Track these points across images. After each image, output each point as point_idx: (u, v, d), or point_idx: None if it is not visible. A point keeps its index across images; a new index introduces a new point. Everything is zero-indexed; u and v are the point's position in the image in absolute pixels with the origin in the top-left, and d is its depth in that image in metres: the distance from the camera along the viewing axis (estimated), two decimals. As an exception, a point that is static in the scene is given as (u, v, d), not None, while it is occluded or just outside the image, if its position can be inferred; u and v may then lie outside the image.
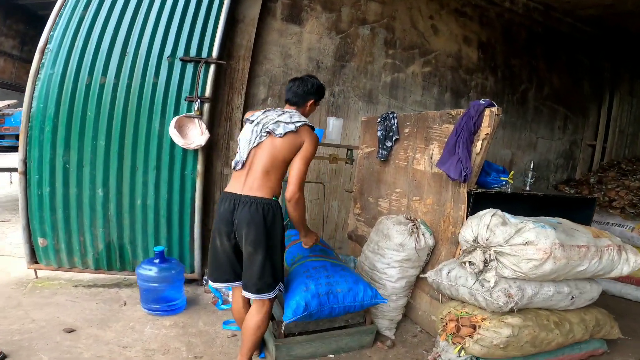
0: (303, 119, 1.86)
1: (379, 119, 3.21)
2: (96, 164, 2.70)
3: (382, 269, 2.69)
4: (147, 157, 2.72)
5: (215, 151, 3.10)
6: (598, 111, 5.64)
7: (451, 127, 2.46)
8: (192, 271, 3.04)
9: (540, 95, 5.03)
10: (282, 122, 1.78)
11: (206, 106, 2.78)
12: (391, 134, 3.06)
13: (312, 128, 1.88)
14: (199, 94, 2.76)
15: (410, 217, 2.80)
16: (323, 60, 3.63)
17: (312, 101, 1.99)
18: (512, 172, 2.52)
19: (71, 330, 2.24)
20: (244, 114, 3.21)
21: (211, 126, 3.05)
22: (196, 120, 2.69)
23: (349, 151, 3.05)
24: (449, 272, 2.35)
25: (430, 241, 2.63)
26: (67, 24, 2.69)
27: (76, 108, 2.65)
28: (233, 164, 1.84)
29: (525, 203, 2.68)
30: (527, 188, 2.72)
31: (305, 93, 1.95)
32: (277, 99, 3.42)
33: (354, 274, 2.34)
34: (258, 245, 1.69)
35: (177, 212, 2.85)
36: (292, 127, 1.76)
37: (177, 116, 2.65)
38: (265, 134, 1.77)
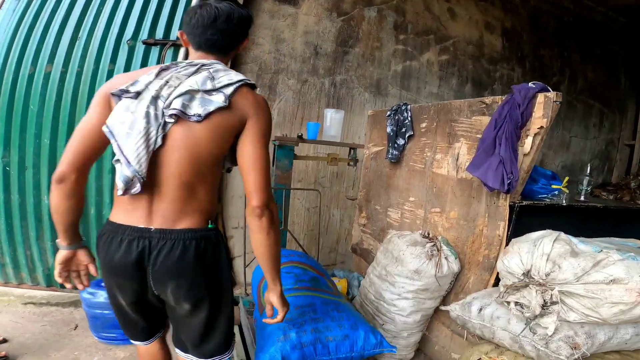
0: (235, 75, 1.05)
1: (388, 112, 2.60)
2: (40, 167, 2.16)
3: (392, 299, 2.10)
4: (100, 158, 2.16)
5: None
6: (636, 107, 4.91)
7: (485, 119, 1.84)
8: None
9: (573, 88, 4.35)
10: (199, 90, 0.97)
11: None
12: (404, 129, 2.45)
13: (254, 87, 1.11)
14: None
15: (428, 234, 2.19)
16: (322, 45, 3.04)
17: (245, 41, 1.15)
18: (566, 179, 1.88)
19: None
20: None
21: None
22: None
23: (352, 150, 2.45)
24: (481, 309, 1.74)
25: (455, 266, 2.02)
26: (14, 7, 2.18)
27: (17, 101, 2.13)
28: (119, 182, 0.95)
29: (567, 215, 2.04)
30: (582, 198, 2.07)
31: (236, 26, 1.06)
32: (267, 90, 2.84)
33: (352, 313, 1.72)
34: (199, 301, 1.05)
35: None
36: (219, 98, 0.98)
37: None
38: (170, 119, 0.95)
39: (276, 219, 1.04)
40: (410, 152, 2.44)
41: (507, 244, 1.74)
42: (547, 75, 4.17)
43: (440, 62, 3.59)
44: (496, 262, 1.81)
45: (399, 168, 2.55)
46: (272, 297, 1.12)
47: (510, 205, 1.76)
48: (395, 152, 2.48)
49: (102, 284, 1.26)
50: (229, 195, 2.79)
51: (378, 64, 3.30)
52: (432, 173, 2.25)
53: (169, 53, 2.24)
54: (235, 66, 2.74)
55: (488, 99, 1.85)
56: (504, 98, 1.73)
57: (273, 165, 2.21)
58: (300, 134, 2.13)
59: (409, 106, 2.48)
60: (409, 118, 2.43)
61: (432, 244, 2.09)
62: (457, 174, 2.06)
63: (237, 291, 2.78)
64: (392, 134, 2.52)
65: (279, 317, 1.14)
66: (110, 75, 2.16)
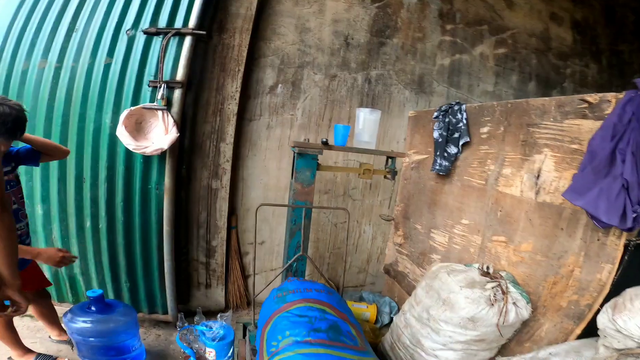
0: None
1: (436, 114, 2.07)
2: (32, 173, 1.86)
3: (433, 349, 1.64)
4: (95, 164, 1.85)
5: (200, 156, 2.15)
6: None
7: (587, 124, 1.28)
8: (165, 312, 2.16)
9: (659, 84, 3.51)
10: None
11: (177, 93, 1.84)
12: (457, 135, 1.91)
13: None
14: (166, 77, 1.82)
15: (488, 268, 1.65)
16: (354, 35, 2.55)
17: None
18: None
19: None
20: (241, 105, 2.25)
21: (193, 123, 2.11)
22: (160, 113, 1.75)
23: (390, 160, 1.94)
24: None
25: (526, 312, 1.52)
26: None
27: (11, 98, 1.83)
28: None
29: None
30: None
31: None
32: (290, 86, 2.40)
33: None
34: None
35: (138, 240, 1.96)
36: None
37: (132, 107, 1.73)
38: None
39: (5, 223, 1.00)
40: (466, 163, 1.89)
41: (611, 292, 1.26)
42: (627, 72, 3.40)
43: (496, 56, 2.97)
44: (589, 311, 1.34)
45: (448, 182, 2.01)
46: (9, 292, 1.06)
47: (625, 244, 1.20)
48: (444, 163, 1.95)
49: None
50: (244, 209, 2.40)
51: (421, 57, 2.76)
52: (496, 192, 1.70)
53: (172, 42, 1.86)
54: (254, 59, 2.34)
55: (592, 97, 1.27)
56: (621, 96, 1.16)
57: (292, 178, 1.76)
58: (325, 140, 1.67)
59: (464, 106, 1.94)
60: (464, 121, 1.89)
61: (496, 284, 1.56)
62: (537, 196, 1.50)
63: (247, 317, 2.38)
64: (440, 140, 1.99)
65: (21, 310, 1.11)
66: (107, 69, 1.83)
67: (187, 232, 2.22)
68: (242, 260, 2.54)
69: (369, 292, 2.78)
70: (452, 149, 1.92)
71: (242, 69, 2.16)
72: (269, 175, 2.40)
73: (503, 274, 1.66)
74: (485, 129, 1.79)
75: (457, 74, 2.87)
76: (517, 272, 1.63)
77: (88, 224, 1.91)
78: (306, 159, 1.71)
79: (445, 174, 1.96)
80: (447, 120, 1.99)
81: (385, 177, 1.93)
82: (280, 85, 2.39)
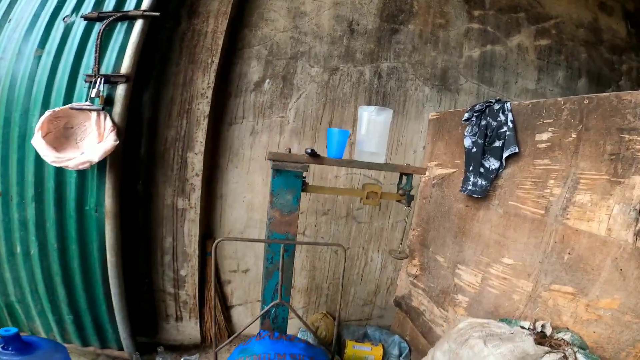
0: None
1: (467, 115, 1.52)
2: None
3: None
4: (22, 179, 1.39)
5: (162, 169, 1.66)
6: None
7: None
8: (120, 347, 1.72)
9: None
10: None
11: (121, 90, 1.37)
12: (498, 143, 1.34)
13: None
14: (107, 69, 1.36)
15: (544, 327, 1.11)
16: (360, 20, 2.02)
17: None
18: None
19: None
20: (219, 105, 1.76)
21: (152, 127, 1.63)
22: (93, 115, 1.27)
23: (404, 178, 1.38)
24: None
25: None
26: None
27: None
28: None
29: None
30: None
31: None
32: (280, 82, 1.89)
33: None
34: None
35: (78, 269, 1.50)
36: None
37: (56, 109, 1.26)
38: None
39: None
40: (512, 183, 1.32)
41: None
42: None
43: (538, 48, 2.37)
44: None
45: (484, 208, 1.44)
46: None
47: None
48: (480, 182, 1.38)
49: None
50: (223, 232, 1.90)
51: (444, 47, 2.19)
52: (562, 227, 1.12)
53: (120, 28, 1.40)
54: (236, 50, 1.85)
55: None
56: None
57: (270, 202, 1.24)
58: (311, 150, 1.14)
59: (509, 104, 1.37)
60: (510, 124, 1.32)
61: (561, 354, 1.01)
62: (638, 239, 0.92)
63: (228, 353, 1.86)
64: (474, 150, 1.42)
65: None
66: (37, 63, 1.38)
67: (149, 259, 1.74)
68: (224, 290, 2.04)
69: (376, 327, 2.22)
70: (492, 163, 1.35)
71: (216, 59, 1.67)
72: (254, 192, 1.89)
73: (567, 336, 1.09)
74: (544, 136, 1.21)
75: (489, 68, 2.28)
76: (587, 332, 1.09)
77: (18, 249, 1.46)
78: (287, 177, 1.19)
79: (481, 196, 1.39)
80: (483, 123, 1.42)
81: (398, 201, 1.37)
82: (268, 80, 1.88)
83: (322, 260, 2.07)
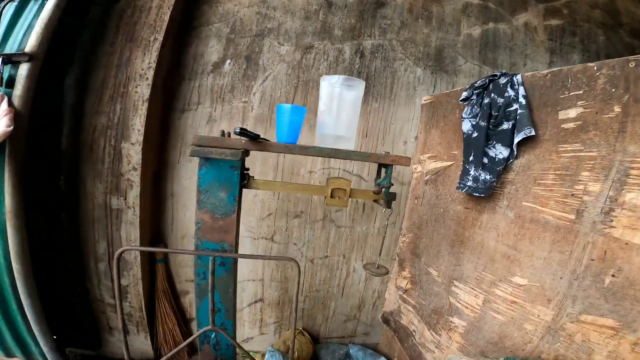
0: None
1: (465, 93, 1.19)
2: None
3: None
4: None
5: (90, 161, 1.34)
6: None
7: None
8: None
9: None
10: None
11: (23, 70, 1.07)
12: (506, 125, 1.00)
13: None
14: (12, 48, 1.05)
15: None
16: (343, -9, 1.69)
17: None
18: None
19: None
20: (169, 90, 1.44)
21: (78, 113, 1.31)
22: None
23: (383, 170, 1.03)
24: None
25: None
26: None
27: None
28: None
29: None
30: None
31: None
32: (243, 62, 1.57)
33: None
34: None
35: None
36: None
37: None
38: None
39: None
40: (526, 176, 0.97)
41: None
42: None
43: (548, 29, 2.02)
44: None
45: (489, 210, 1.09)
46: None
47: None
48: (483, 176, 1.03)
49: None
50: (177, 236, 1.57)
51: (438, 24, 1.85)
52: (604, 237, 0.77)
53: (33, 5, 1.10)
54: (192, 29, 1.53)
55: None
56: None
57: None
58: (239, 129, 0.78)
59: (519, 76, 1.03)
60: (523, 100, 0.98)
61: None
62: None
63: None
64: (475, 135, 1.08)
65: None
66: None
67: (82, 266, 1.42)
68: (181, 301, 1.71)
69: (360, 346, 1.88)
70: (499, 151, 1.00)
71: (160, 37, 1.35)
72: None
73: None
74: (571, 112, 0.86)
75: (493, 48, 1.93)
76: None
77: None
78: (219, 168, 0.86)
79: (485, 195, 1.05)
80: (486, 101, 1.08)
81: (376, 201, 1.03)
82: (229, 61, 1.55)
83: (295, 270, 1.73)
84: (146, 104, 1.32)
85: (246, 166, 0.99)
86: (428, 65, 1.79)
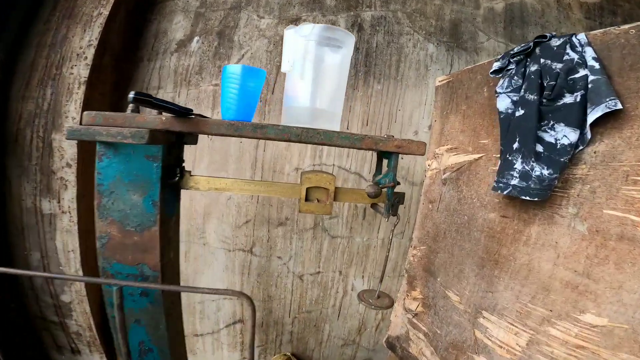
0: None
1: (498, 63, 0.83)
2: None
3: None
4: None
5: (14, 156, 1.03)
6: None
7: None
8: None
9: None
10: None
11: None
12: (569, 97, 0.64)
13: None
14: None
15: None
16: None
17: None
18: None
19: None
20: (125, 73, 1.13)
21: (1, 98, 1.01)
22: None
23: (385, 160, 0.67)
24: None
25: None
26: None
27: None
28: None
29: None
30: None
31: None
32: (214, 39, 1.25)
33: None
34: None
35: None
36: None
37: None
38: None
39: None
40: (610, 172, 0.61)
41: None
42: None
43: (585, 7, 1.65)
44: None
45: (543, 219, 0.73)
46: None
47: None
48: (537, 170, 0.68)
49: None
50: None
51: (454, -6, 1.51)
52: None
53: None
54: (155, 4, 1.22)
55: None
56: None
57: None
58: (134, 95, 0.45)
59: (582, 35, 0.68)
60: (595, 63, 0.63)
61: None
62: None
63: None
64: (519, 113, 0.73)
65: None
66: None
67: (15, 280, 1.11)
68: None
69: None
70: (562, 134, 0.65)
71: (106, 12, 1.05)
72: (176, 191, 1.25)
73: None
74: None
75: (520, 24, 1.57)
76: None
77: None
78: (128, 158, 0.53)
79: (540, 200, 0.69)
80: (533, 69, 0.74)
81: (372, 207, 0.68)
82: (197, 38, 1.23)
83: (280, 288, 1.39)
84: (83, 88, 1.01)
85: (185, 159, 0.66)
86: (442, 41, 1.44)
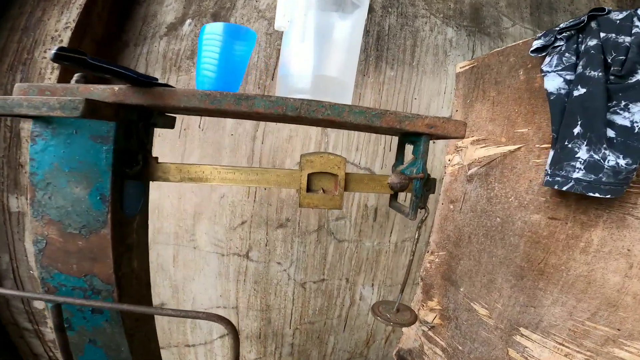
0: None
1: (541, 41, 0.68)
2: None
3: None
4: None
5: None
6: None
7: None
8: None
9: None
10: None
11: None
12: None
13: None
14: None
15: None
16: None
17: None
18: None
19: None
20: (109, 58, 1.00)
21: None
22: None
23: (412, 147, 0.52)
24: None
25: None
26: None
27: None
28: None
29: None
30: None
31: None
32: (208, 21, 1.11)
33: None
34: None
35: None
36: None
37: None
38: None
39: None
40: None
41: None
42: None
43: None
44: None
45: (607, 222, 0.57)
46: None
47: None
48: (612, 160, 0.51)
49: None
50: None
51: (473, -24, 1.35)
52: None
53: None
54: None
55: None
56: None
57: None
58: (57, 51, 0.31)
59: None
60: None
61: None
62: None
63: None
64: (580, 92, 0.57)
65: None
66: None
67: None
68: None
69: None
70: (639, 117, 0.50)
71: None
72: (163, 187, 1.11)
73: None
74: None
75: (548, 10, 1.40)
76: None
77: None
78: (70, 139, 0.39)
79: (614, 196, 0.53)
80: (591, 44, 0.58)
81: (392, 206, 0.52)
82: (189, 21, 1.10)
83: (280, 297, 1.24)
84: (57, 72, 0.88)
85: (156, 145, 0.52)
86: (462, 25, 1.28)
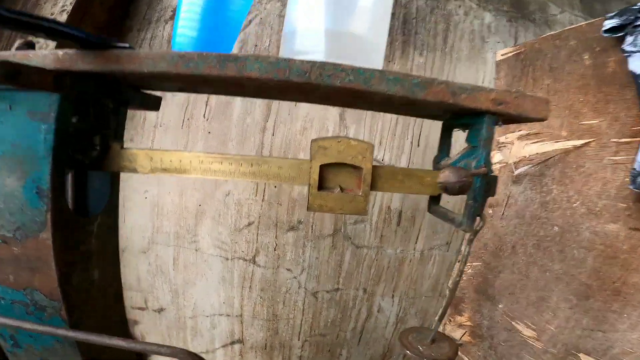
0: None
1: (615, 19, 0.52)
2: None
3: None
4: None
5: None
6: None
7: None
8: None
9: None
10: None
11: None
12: None
13: None
14: None
15: None
16: None
17: None
18: None
19: None
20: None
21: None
22: None
23: (466, 131, 0.38)
24: None
25: None
26: None
27: None
28: None
29: None
30: None
31: None
32: None
33: None
34: None
35: None
36: None
37: None
38: None
39: None
40: None
41: None
42: None
43: None
44: None
45: None
46: None
47: None
48: None
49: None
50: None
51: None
52: None
53: None
54: None
55: None
56: None
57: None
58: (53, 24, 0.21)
59: None
60: None
61: None
62: None
63: None
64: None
65: None
66: None
67: None
68: (129, 333, 1.18)
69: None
70: None
71: None
72: (163, 183, 1.01)
73: None
74: None
75: (598, -10, 1.21)
76: None
77: None
78: (3, 118, 0.29)
79: None
80: None
81: (432, 211, 0.39)
82: None
83: (288, 306, 1.12)
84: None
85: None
86: (502, 10, 1.11)
